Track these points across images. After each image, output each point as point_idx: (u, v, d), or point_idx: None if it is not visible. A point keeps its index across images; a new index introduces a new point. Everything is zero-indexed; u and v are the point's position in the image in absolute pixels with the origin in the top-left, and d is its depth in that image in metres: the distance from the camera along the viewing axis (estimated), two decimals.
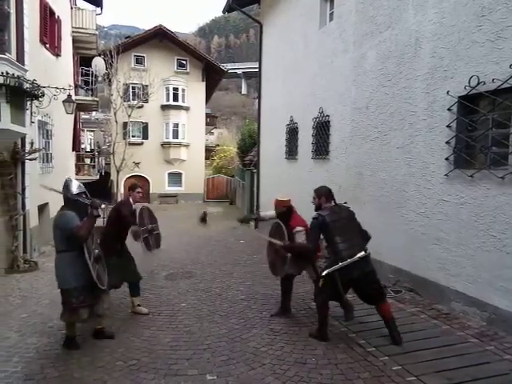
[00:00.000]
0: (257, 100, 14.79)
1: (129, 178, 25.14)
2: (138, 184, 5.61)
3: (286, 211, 5.06)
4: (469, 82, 4.84)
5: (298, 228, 4.85)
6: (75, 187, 4.28)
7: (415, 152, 5.82)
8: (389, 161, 6.39)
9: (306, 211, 7.54)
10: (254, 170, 14.42)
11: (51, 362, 3.98)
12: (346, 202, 4.57)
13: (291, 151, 10.57)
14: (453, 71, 5.16)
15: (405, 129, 6.02)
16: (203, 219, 5.80)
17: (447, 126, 5.21)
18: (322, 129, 8.63)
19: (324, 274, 4.21)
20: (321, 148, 8.73)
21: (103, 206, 4.27)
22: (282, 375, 3.70)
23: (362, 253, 4.15)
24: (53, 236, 4.25)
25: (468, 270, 4.91)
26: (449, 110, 5.20)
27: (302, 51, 9.81)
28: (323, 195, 4.53)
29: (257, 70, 14.08)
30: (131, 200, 5.41)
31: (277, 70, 11.71)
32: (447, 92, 5.20)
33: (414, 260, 5.79)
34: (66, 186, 4.30)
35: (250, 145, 18.50)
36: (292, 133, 10.51)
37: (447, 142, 5.22)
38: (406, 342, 4.18)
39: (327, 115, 8.39)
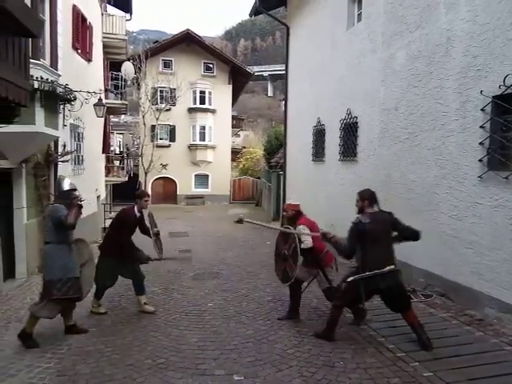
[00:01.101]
0: (283, 102, 14.80)
1: (156, 179, 25.62)
2: (146, 192, 5.77)
3: (294, 214, 5.18)
4: (504, 81, 4.69)
5: (300, 226, 4.97)
6: (67, 184, 4.68)
7: (447, 153, 5.68)
8: (419, 162, 6.25)
9: (333, 213, 7.54)
10: (280, 172, 14.40)
11: (83, 359, 4.07)
12: (390, 213, 4.37)
13: (318, 153, 10.50)
14: (487, 70, 5.01)
15: (436, 129, 5.88)
16: (239, 221, 5.92)
17: (481, 127, 5.06)
18: (350, 130, 8.54)
19: (348, 280, 4.20)
20: (348, 150, 8.64)
21: (84, 200, 4.84)
22: (310, 378, 3.67)
23: (392, 267, 4.11)
24: (44, 228, 4.64)
25: (503, 275, 4.74)
26: (482, 110, 5.05)
27: (329, 53, 9.74)
28: (367, 199, 4.34)
29: (283, 72, 14.07)
30: (136, 208, 5.47)
31: (303, 72, 11.66)
32: (481, 92, 5.05)
33: (446, 264, 5.64)
34: (59, 183, 4.75)
35: (276, 147, 18.47)
36: (319, 134, 10.44)
37: (481, 143, 5.07)
38: (437, 347, 4.07)
39: (355, 116, 8.29)
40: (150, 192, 24.38)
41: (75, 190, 4.73)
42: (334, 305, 4.44)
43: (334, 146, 9.23)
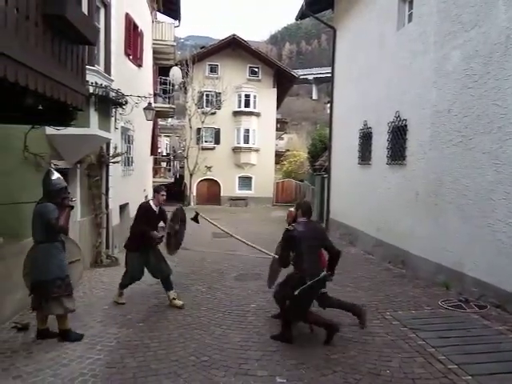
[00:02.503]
0: (328, 105, 14.65)
1: (201, 181, 26.08)
2: (163, 187, 5.94)
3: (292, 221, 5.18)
4: None
5: None
6: (56, 180, 4.34)
7: (504, 157, 5.38)
8: (474, 167, 5.96)
9: (379, 217, 7.27)
10: (325, 175, 14.23)
11: (131, 353, 4.20)
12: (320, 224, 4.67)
13: (364, 156, 10.29)
14: None
15: (493, 132, 5.59)
16: (195, 218, 6.10)
17: None
18: (398, 133, 8.30)
19: (296, 293, 4.22)
20: (396, 153, 8.39)
21: (74, 199, 4.53)
22: None
23: (324, 273, 4.37)
24: (32, 227, 4.31)
25: None
26: None
27: (377, 54, 9.53)
28: (301, 209, 4.66)
29: (328, 75, 13.94)
30: (152, 202, 5.73)
31: (350, 75, 11.49)
32: None
33: (502, 273, 5.33)
34: (47, 178, 4.34)
35: (320, 150, 18.27)
36: (365, 137, 10.22)
37: None
38: (492, 362, 3.86)
39: (404, 119, 8.05)
40: (194, 193, 24.95)
41: (66, 187, 4.44)
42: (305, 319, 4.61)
43: (382, 149, 9.00)
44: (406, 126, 8.02)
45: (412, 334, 4.60)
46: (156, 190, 5.86)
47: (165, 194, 5.80)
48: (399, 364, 3.93)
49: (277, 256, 5.15)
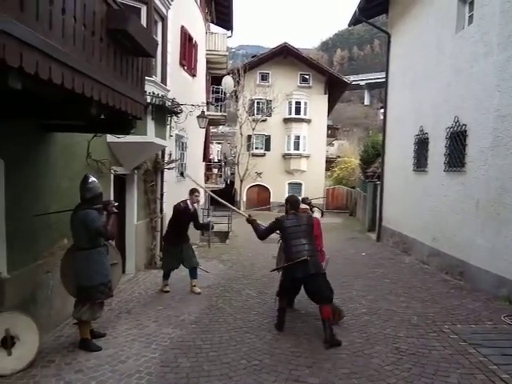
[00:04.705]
0: (380, 111, 14.36)
1: (251, 186, 26.35)
2: (197, 189, 6.89)
3: None
4: None
5: None
6: (96, 185, 4.37)
7: None
8: None
9: (436, 226, 7.01)
10: (377, 182, 13.90)
11: (184, 353, 4.32)
12: (310, 217, 5.28)
13: (420, 163, 9.94)
14: None
15: None
16: (181, 174, 6.72)
17: None
18: (457, 139, 7.95)
19: (270, 271, 5.74)
20: (455, 160, 8.03)
21: (116, 204, 4.60)
22: None
23: (304, 257, 4.67)
24: (74, 233, 4.31)
25: None
26: None
27: (434, 58, 9.21)
28: (288, 202, 5.23)
29: (381, 80, 13.70)
30: (189, 201, 6.61)
31: (405, 79, 11.18)
32: None
33: None
34: (87, 183, 4.34)
35: (373, 156, 17.88)
36: (421, 143, 9.88)
37: None
38: None
39: (463, 124, 7.70)
40: (244, 198, 25.32)
41: (99, 195, 4.42)
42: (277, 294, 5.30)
43: (439, 155, 8.66)
44: (465, 131, 7.66)
45: (472, 349, 4.36)
46: (191, 191, 6.72)
47: (198, 194, 6.76)
48: (458, 380, 3.74)
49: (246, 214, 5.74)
